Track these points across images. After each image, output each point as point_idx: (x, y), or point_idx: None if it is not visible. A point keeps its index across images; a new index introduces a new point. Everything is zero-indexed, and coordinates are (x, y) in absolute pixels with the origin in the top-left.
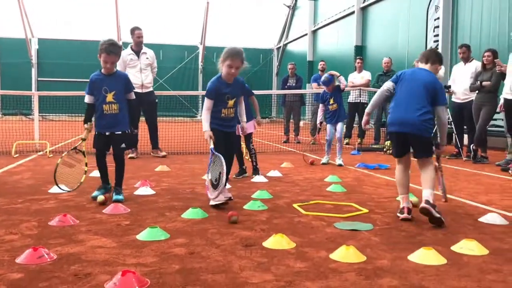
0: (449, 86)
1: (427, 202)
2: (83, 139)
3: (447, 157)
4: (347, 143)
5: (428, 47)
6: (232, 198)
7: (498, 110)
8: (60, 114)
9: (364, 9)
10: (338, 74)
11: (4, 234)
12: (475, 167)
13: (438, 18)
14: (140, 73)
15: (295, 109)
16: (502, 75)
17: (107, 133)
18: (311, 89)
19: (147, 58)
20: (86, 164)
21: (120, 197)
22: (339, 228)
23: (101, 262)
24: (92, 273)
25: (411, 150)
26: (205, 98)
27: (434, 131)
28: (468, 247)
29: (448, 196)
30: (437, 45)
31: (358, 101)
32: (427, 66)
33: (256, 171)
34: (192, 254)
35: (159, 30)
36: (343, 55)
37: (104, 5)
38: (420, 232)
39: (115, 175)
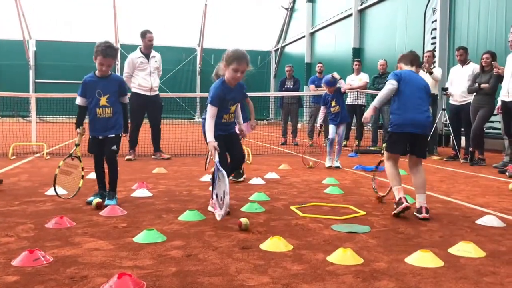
0: (447, 89)
1: (426, 210)
2: (77, 145)
3: (444, 159)
4: (344, 145)
5: (426, 49)
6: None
7: (495, 112)
8: (58, 116)
9: (361, 12)
10: (339, 77)
11: (0, 236)
12: (473, 169)
13: (436, 21)
14: (149, 76)
15: (292, 111)
16: (500, 78)
17: (100, 137)
18: (309, 91)
19: (155, 61)
20: (82, 169)
21: (112, 202)
22: (336, 230)
23: (98, 265)
24: (89, 276)
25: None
26: (209, 105)
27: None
28: (465, 249)
29: (446, 198)
30: (435, 47)
31: (356, 103)
32: (412, 69)
33: (239, 175)
34: (189, 257)
35: (157, 32)
36: (341, 57)
37: (102, 7)
38: (417, 234)
39: (108, 179)
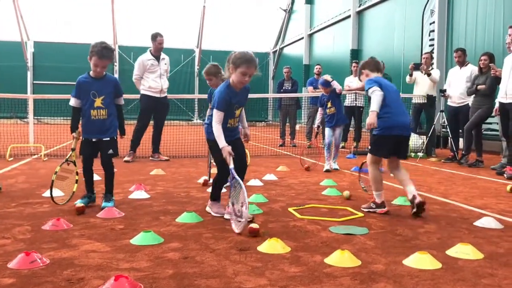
0: (445, 90)
1: (421, 197)
2: (73, 149)
3: (442, 160)
4: (342, 147)
5: (424, 51)
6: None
7: (493, 114)
8: (56, 118)
9: (360, 13)
10: (330, 79)
11: None
12: (471, 171)
13: (434, 22)
14: (159, 79)
15: (291, 112)
16: (497, 79)
17: (94, 140)
18: (307, 92)
19: (165, 64)
20: (77, 173)
21: (110, 204)
22: (334, 232)
23: (94, 267)
24: (85, 278)
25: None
26: (215, 110)
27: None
28: (463, 251)
29: (444, 199)
30: (433, 49)
31: (354, 104)
32: (379, 75)
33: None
34: (186, 259)
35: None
36: (339, 59)
37: (100, 8)
38: (415, 236)
39: (105, 182)
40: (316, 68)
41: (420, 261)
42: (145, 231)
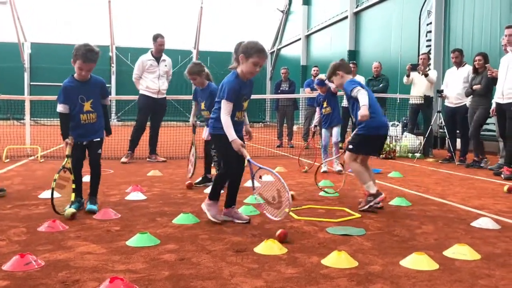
0: (442, 91)
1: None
2: (68, 156)
3: (439, 161)
4: (340, 147)
5: (421, 52)
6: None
7: (490, 114)
8: (53, 119)
9: (357, 14)
10: (325, 78)
11: None
12: (468, 171)
13: (431, 23)
14: (158, 80)
15: (288, 113)
16: (494, 80)
17: (84, 143)
18: (304, 93)
19: (165, 65)
20: (73, 181)
21: (95, 207)
22: (331, 233)
23: (90, 269)
24: (80, 280)
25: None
26: (224, 101)
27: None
28: (460, 252)
29: (441, 200)
30: (430, 49)
31: None
32: (350, 77)
33: (205, 179)
34: (182, 260)
35: (152, 34)
36: (337, 59)
37: (97, 9)
38: (412, 237)
39: (91, 183)
40: (314, 70)
41: (417, 262)
42: (141, 233)
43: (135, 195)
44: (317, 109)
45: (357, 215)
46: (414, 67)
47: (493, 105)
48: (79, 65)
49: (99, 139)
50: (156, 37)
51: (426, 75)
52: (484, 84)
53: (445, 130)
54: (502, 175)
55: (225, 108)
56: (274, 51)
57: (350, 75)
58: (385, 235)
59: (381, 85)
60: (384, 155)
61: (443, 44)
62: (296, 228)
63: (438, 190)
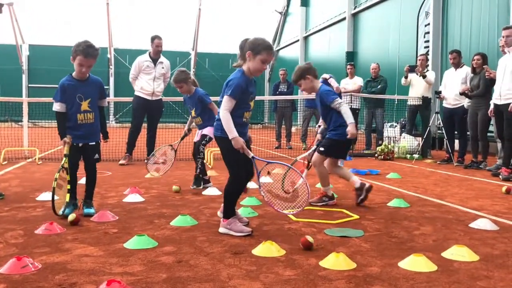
0: (440, 92)
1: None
2: (66, 155)
3: (438, 162)
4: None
5: (419, 53)
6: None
7: (489, 115)
8: (51, 121)
9: (355, 15)
10: (328, 76)
11: None
12: (466, 172)
13: (429, 24)
14: (153, 81)
15: (286, 115)
16: (492, 81)
17: (80, 144)
18: (302, 95)
19: (162, 67)
20: (68, 182)
21: (92, 210)
22: (329, 235)
23: (87, 271)
24: (77, 283)
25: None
26: (227, 97)
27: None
28: (458, 253)
29: (439, 201)
30: (428, 50)
31: (350, 106)
32: (319, 82)
33: (198, 182)
34: (180, 263)
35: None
36: (335, 61)
37: (96, 11)
38: (411, 238)
39: (87, 187)
40: None
41: (416, 263)
42: (139, 235)
43: (133, 197)
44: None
45: (356, 216)
46: (412, 69)
47: (491, 106)
48: (80, 61)
49: (94, 143)
50: (153, 39)
51: (424, 76)
52: (483, 85)
53: (443, 131)
54: (500, 176)
55: (227, 103)
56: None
57: (317, 79)
58: (383, 237)
59: (379, 86)
60: (382, 156)
61: (441, 45)
62: (294, 230)
63: (437, 191)
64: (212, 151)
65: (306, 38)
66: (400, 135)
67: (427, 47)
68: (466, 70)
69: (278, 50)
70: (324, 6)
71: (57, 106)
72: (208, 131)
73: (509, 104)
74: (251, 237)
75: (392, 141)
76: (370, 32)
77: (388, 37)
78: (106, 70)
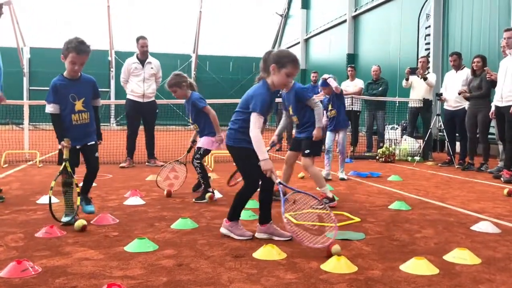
0: (441, 94)
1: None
2: (66, 160)
3: (439, 164)
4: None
5: (420, 55)
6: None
7: (490, 117)
8: (52, 124)
9: (356, 18)
10: (327, 77)
11: None
12: (467, 174)
13: (429, 26)
14: (142, 83)
15: None
16: (493, 83)
17: (78, 147)
18: None
19: (151, 68)
20: (76, 185)
21: (92, 208)
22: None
23: (87, 275)
24: (78, 287)
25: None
26: (256, 114)
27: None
28: (460, 256)
29: (441, 204)
30: (429, 52)
31: (351, 109)
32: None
33: (202, 197)
34: (180, 266)
35: (151, 39)
36: (336, 63)
37: (96, 14)
38: (412, 241)
39: (85, 183)
40: (313, 76)
41: (417, 266)
42: (139, 238)
43: (134, 200)
44: (324, 112)
45: (357, 219)
46: (413, 71)
47: (492, 108)
48: (72, 59)
49: (93, 142)
50: (138, 39)
51: (425, 79)
52: (484, 86)
53: (445, 133)
54: (502, 178)
55: (258, 122)
56: None
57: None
58: (384, 240)
59: (380, 89)
60: (383, 159)
61: (442, 47)
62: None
63: (438, 193)
64: (212, 154)
65: (307, 41)
66: (401, 137)
67: (428, 49)
68: (466, 72)
69: None
70: (325, 8)
71: (50, 108)
72: (203, 142)
73: (510, 106)
74: (251, 240)
75: (393, 144)
76: (371, 34)
77: (389, 39)
78: (107, 72)
